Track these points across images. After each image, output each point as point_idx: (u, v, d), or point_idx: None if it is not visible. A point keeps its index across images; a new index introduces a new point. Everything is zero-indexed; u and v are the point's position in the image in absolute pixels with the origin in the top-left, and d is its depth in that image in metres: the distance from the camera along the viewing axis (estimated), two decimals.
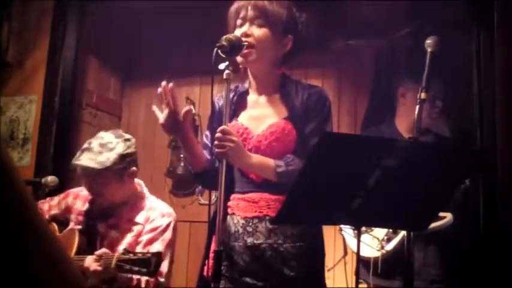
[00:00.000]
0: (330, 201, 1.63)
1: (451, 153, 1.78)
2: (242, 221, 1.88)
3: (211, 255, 1.79)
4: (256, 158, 1.84)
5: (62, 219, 2.50)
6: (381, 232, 2.67)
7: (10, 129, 3.41)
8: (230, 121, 1.91)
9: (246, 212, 1.89)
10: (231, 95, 1.96)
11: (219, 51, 1.72)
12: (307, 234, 1.87)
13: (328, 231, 2.37)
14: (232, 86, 1.98)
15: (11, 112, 3.43)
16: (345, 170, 1.56)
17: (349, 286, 2.86)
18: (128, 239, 2.33)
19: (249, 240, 1.86)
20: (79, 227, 2.42)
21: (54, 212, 2.53)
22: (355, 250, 1.78)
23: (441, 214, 2.58)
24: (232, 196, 1.93)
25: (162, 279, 2.25)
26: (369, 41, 3.61)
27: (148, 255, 2.07)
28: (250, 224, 1.87)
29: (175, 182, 4.05)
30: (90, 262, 2.13)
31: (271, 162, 1.84)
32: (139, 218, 2.37)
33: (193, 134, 1.95)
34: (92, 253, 2.18)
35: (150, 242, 2.30)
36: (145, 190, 2.51)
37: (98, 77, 4.00)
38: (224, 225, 1.86)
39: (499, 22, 2.63)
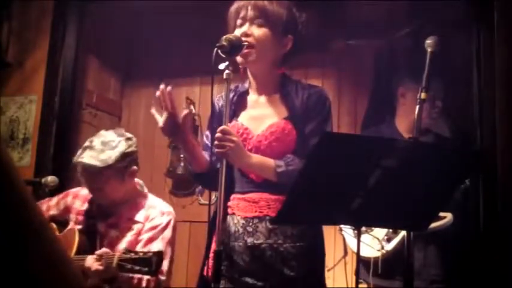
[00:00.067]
0: (330, 201, 1.63)
1: (451, 153, 1.78)
2: (242, 221, 1.88)
3: (211, 255, 1.79)
4: (256, 158, 1.84)
5: (61, 220, 2.50)
6: (381, 232, 2.67)
7: (10, 129, 3.41)
8: (230, 121, 1.90)
9: (246, 212, 1.89)
10: (231, 95, 1.96)
11: (219, 51, 1.71)
12: (307, 234, 1.87)
13: (328, 231, 2.37)
14: (232, 86, 1.98)
15: (11, 112, 3.43)
16: (345, 170, 1.56)
17: (349, 286, 2.86)
18: (128, 237, 2.33)
19: (249, 240, 1.85)
20: (79, 226, 2.42)
21: (52, 212, 2.53)
22: (355, 250, 1.78)
23: (441, 214, 2.58)
24: (233, 196, 1.93)
25: (162, 278, 2.26)
26: (369, 41, 3.61)
27: (150, 254, 2.07)
28: (251, 224, 1.87)
29: (175, 182, 4.04)
30: (91, 262, 2.13)
31: (271, 162, 1.84)
32: (139, 216, 2.37)
33: (193, 137, 1.94)
34: (92, 253, 2.18)
35: (150, 240, 2.30)
36: (145, 189, 2.52)
37: (98, 77, 4.00)
38: (224, 225, 1.86)
39: (499, 22, 2.63)
